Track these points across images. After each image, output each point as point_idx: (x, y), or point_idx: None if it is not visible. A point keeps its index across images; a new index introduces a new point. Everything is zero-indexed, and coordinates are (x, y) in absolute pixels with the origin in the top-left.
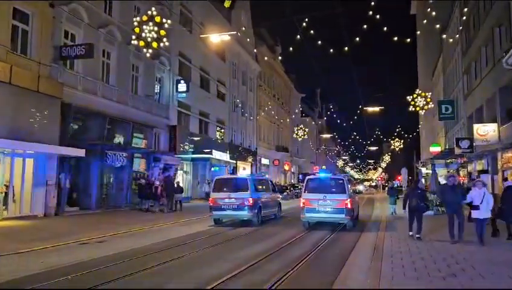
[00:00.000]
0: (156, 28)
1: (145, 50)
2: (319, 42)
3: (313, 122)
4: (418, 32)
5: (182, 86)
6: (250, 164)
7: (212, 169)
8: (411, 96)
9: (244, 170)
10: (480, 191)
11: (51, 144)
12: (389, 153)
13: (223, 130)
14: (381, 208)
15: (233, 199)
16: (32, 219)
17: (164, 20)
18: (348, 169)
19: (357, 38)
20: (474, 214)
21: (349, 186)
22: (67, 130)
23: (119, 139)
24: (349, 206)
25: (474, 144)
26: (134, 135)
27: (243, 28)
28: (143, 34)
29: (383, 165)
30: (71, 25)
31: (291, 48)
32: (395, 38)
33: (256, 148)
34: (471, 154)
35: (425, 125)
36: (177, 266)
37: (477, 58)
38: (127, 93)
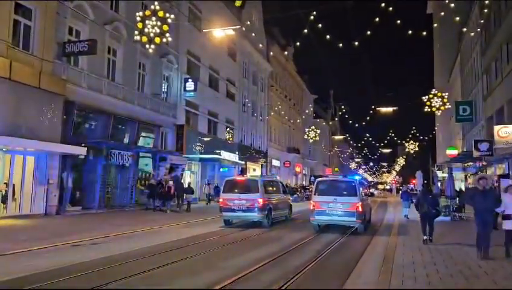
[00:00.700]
0: (159, 23)
1: (147, 46)
2: (328, 37)
3: (325, 124)
4: (434, 28)
5: (190, 85)
6: (260, 165)
7: (221, 170)
8: (427, 97)
9: (254, 171)
10: None
11: (53, 142)
12: (404, 156)
13: (232, 131)
14: (395, 212)
15: (243, 201)
16: (32, 218)
17: (167, 15)
18: (361, 171)
19: (368, 32)
20: (508, 225)
21: (360, 189)
22: (70, 127)
23: (124, 138)
24: (360, 209)
25: (494, 146)
26: (144, 134)
27: (248, 22)
28: (146, 30)
29: (397, 168)
30: (76, 21)
31: (298, 43)
32: (410, 32)
33: (267, 149)
34: (490, 158)
35: (441, 128)
36: (165, 275)
37: (498, 56)
38: (133, 91)
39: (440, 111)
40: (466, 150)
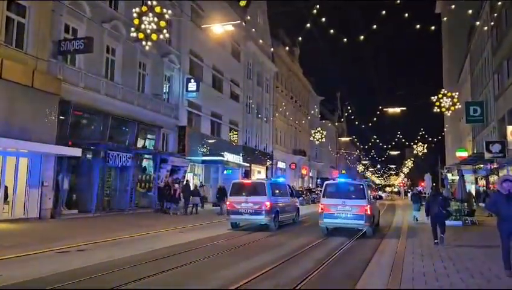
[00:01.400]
0: (155, 19)
1: (144, 43)
2: (332, 31)
3: (332, 126)
4: (443, 28)
5: (192, 85)
6: (265, 167)
7: (225, 172)
8: (436, 97)
9: (259, 174)
10: None
11: (48, 143)
12: (412, 159)
13: (236, 132)
14: (403, 215)
15: (250, 203)
16: (25, 222)
17: (165, 11)
18: (368, 174)
19: (374, 26)
20: None
21: (369, 192)
22: (66, 128)
23: (123, 139)
24: (368, 212)
25: (506, 147)
26: (144, 135)
27: (248, 17)
28: (142, 26)
29: (405, 170)
30: (73, 18)
31: (304, 44)
32: (418, 27)
33: (272, 151)
34: (503, 160)
35: (450, 129)
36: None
37: (510, 55)
38: (133, 91)
39: (450, 111)
40: (476, 152)
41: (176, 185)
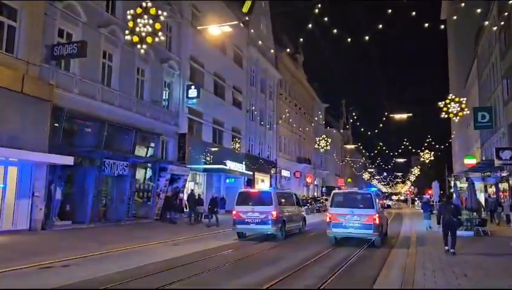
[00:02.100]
0: (150, 21)
1: (139, 46)
2: (335, 31)
3: (337, 133)
4: (449, 34)
5: (193, 92)
6: (269, 175)
7: (227, 181)
8: (443, 102)
9: (262, 183)
10: None
11: (39, 151)
12: (419, 166)
13: (239, 140)
14: (411, 224)
15: (256, 213)
16: (14, 235)
17: (160, 12)
18: (375, 182)
19: (380, 26)
20: None
21: (377, 201)
22: (58, 135)
23: (120, 146)
24: (377, 221)
25: None
26: (142, 143)
27: (247, 18)
28: (137, 29)
29: (412, 178)
30: (67, 23)
31: (309, 51)
32: (426, 26)
33: (276, 159)
34: None
35: (457, 136)
36: None
37: None
38: (131, 98)
39: (458, 117)
40: (485, 159)
41: (181, 195)
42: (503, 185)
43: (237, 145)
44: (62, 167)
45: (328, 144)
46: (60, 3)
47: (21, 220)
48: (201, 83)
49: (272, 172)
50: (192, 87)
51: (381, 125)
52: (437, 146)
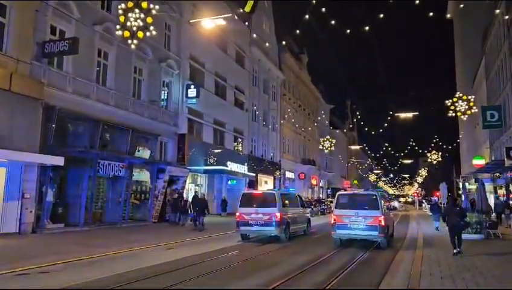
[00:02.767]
0: (142, 16)
1: (130, 41)
2: (333, 22)
3: (342, 134)
4: (455, 33)
5: (192, 92)
6: (273, 177)
7: (229, 182)
8: (450, 100)
9: (266, 184)
10: None
11: (30, 151)
12: (426, 168)
13: (241, 141)
14: (418, 227)
15: (260, 215)
16: (1, 238)
17: (151, 6)
18: (381, 184)
19: (381, 15)
20: None
21: (382, 202)
22: (50, 135)
23: (115, 147)
24: (382, 223)
25: None
26: (140, 144)
27: (241, 10)
28: (128, 23)
29: (419, 180)
30: (59, 19)
31: (313, 51)
32: (430, 17)
33: (280, 161)
34: None
35: (465, 136)
36: None
37: None
38: (128, 97)
39: (466, 116)
40: (495, 159)
41: (185, 197)
42: None
43: (239, 146)
44: (54, 168)
45: (332, 145)
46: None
47: (10, 222)
48: (202, 83)
49: (276, 174)
50: (192, 86)
51: (386, 125)
52: (444, 146)
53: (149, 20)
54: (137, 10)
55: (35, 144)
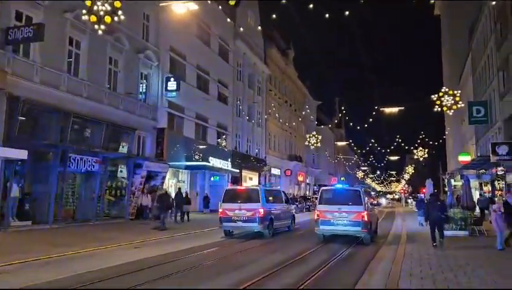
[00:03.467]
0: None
1: (96, 26)
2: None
3: (330, 131)
4: (443, 30)
5: (172, 85)
6: (258, 173)
7: (212, 179)
8: (436, 95)
9: (251, 180)
10: None
11: None
12: (413, 165)
13: (225, 136)
14: (403, 224)
15: (243, 211)
16: None
17: None
18: (369, 181)
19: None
20: None
21: (366, 198)
22: (14, 127)
23: (88, 141)
24: (365, 219)
25: None
26: (115, 138)
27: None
28: (95, 7)
29: (406, 177)
30: (25, 5)
31: (299, 48)
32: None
33: (265, 157)
34: (511, 162)
35: (451, 133)
36: None
37: None
38: (102, 89)
39: (452, 111)
40: (480, 156)
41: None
42: (499, 183)
43: (223, 142)
44: (22, 162)
45: (318, 141)
46: None
47: None
48: (183, 76)
49: (261, 170)
50: (172, 79)
51: (371, 120)
52: (431, 143)
53: (117, 4)
54: None
55: None
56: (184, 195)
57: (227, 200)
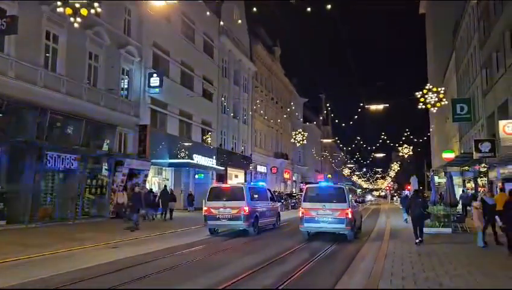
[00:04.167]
0: None
1: (72, 19)
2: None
3: (317, 128)
4: (427, 29)
5: (155, 81)
6: (244, 171)
7: (197, 176)
8: (421, 92)
9: (236, 178)
10: None
11: None
12: (398, 162)
13: (209, 134)
14: (387, 221)
15: (228, 209)
16: None
17: None
18: (355, 178)
19: None
20: None
21: (350, 195)
22: None
23: (66, 138)
24: (349, 216)
25: (500, 145)
26: (95, 135)
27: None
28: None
29: (392, 174)
30: None
31: (286, 46)
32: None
33: (251, 154)
34: (493, 159)
35: (436, 130)
36: None
37: (500, 46)
38: (82, 85)
39: (436, 108)
40: (464, 153)
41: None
42: (482, 180)
43: (208, 139)
44: None
45: (304, 138)
46: None
47: None
48: (167, 72)
49: (247, 167)
50: (155, 75)
51: (356, 117)
52: (415, 140)
53: None
54: None
55: None
56: (170, 192)
57: (212, 198)
